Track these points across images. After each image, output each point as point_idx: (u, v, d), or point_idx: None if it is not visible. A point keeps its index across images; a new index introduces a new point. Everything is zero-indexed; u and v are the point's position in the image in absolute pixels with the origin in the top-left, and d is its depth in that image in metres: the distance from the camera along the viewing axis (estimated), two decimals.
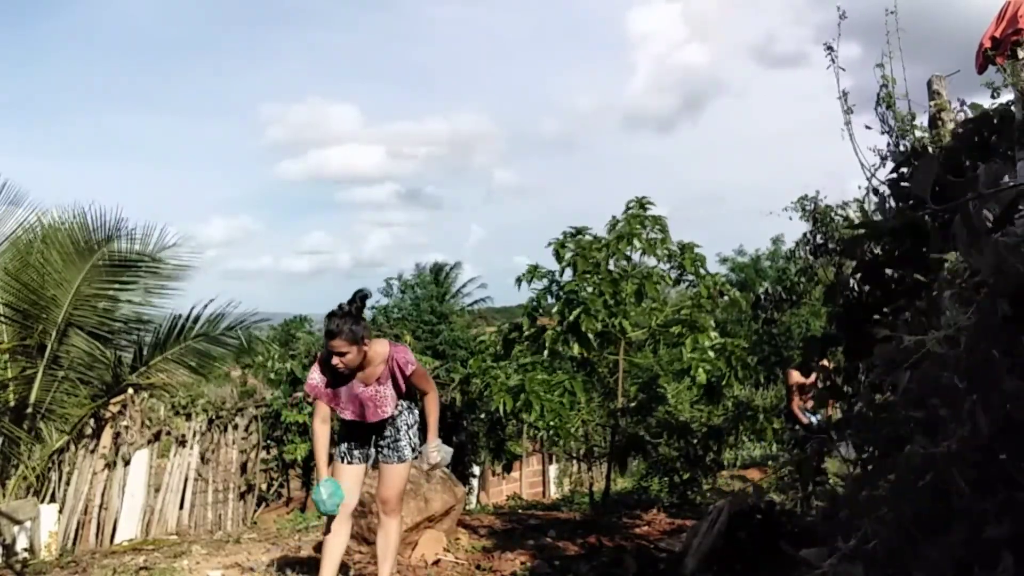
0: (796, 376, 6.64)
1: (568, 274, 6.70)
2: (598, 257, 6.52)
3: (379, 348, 3.92)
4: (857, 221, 4.96)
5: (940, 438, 1.29)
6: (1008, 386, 1.04)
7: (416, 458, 4.12)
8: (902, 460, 1.41)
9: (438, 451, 4.07)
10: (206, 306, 9.11)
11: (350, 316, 3.78)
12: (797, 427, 6.85)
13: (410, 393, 4.14)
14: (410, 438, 4.12)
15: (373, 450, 4.11)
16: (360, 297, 3.88)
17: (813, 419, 6.57)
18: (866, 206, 4.59)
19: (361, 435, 4.05)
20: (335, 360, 3.77)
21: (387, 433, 4.07)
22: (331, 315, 3.80)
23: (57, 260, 8.29)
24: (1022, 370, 1.08)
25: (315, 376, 3.96)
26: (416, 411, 4.22)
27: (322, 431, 3.94)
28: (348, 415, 3.97)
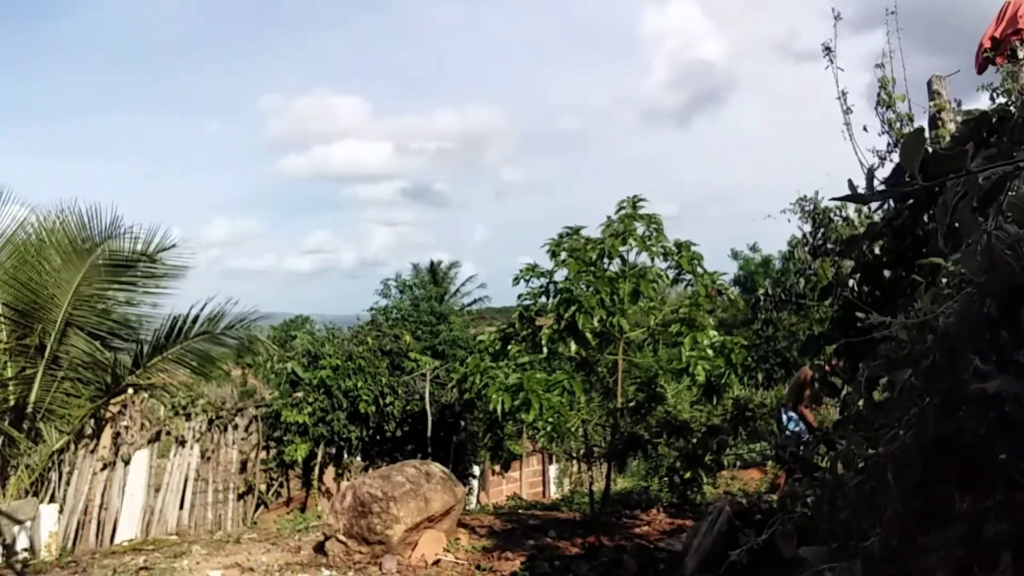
0: (810, 374, 6.69)
1: (564, 273, 6.69)
2: (592, 256, 6.51)
3: None
4: (857, 222, 4.96)
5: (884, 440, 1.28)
6: (1006, 386, 1.04)
7: None
8: (836, 459, 1.41)
9: None
10: (204, 305, 9.11)
11: None
12: (788, 430, 6.91)
13: None
14: None
15: None
16: None
17: (792, 426, 6.69)
18: (864, 207, 4.60)
19: None
20: None
21: None
22: None
23: (55, 259, 8.30)
24: (1019, 369, 1.08)
25: None
26: None
27: None
28: None
